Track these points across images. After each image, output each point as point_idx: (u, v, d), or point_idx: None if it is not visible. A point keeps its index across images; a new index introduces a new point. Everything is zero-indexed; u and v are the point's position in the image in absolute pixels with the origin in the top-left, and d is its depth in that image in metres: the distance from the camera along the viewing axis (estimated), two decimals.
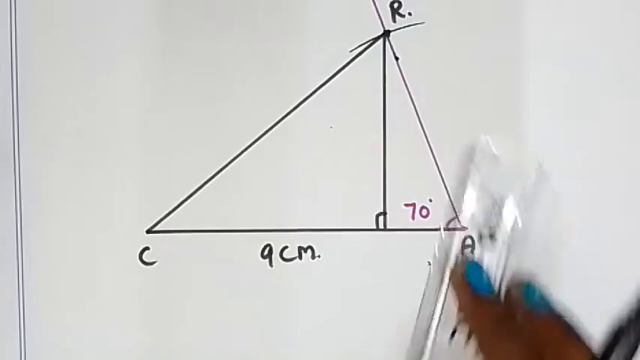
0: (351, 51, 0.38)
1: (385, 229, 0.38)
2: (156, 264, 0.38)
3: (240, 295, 0.38)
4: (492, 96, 0.37)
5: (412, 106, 0.38)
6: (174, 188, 0.38)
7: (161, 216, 0.38)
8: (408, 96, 0.38)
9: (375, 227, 0.38)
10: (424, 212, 0.38)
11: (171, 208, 0.38)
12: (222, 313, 0.38)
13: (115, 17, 0.38)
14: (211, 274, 0.38)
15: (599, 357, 0.33)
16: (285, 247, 0.38)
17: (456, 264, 0.37)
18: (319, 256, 0.38)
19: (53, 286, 0.38)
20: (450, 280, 0.37)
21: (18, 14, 0.38)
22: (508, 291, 0.37)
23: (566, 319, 0.36)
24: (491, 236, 0.34)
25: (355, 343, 0.38)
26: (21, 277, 0.38)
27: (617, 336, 0.34)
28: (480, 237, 0.34)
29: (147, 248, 0.38)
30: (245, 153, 0.38)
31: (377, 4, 0.38)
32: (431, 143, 0.37)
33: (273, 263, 0.38)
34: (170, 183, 0.38)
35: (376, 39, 0.38)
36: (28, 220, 0.38)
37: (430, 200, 0.38)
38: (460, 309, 0.37)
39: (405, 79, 0.38)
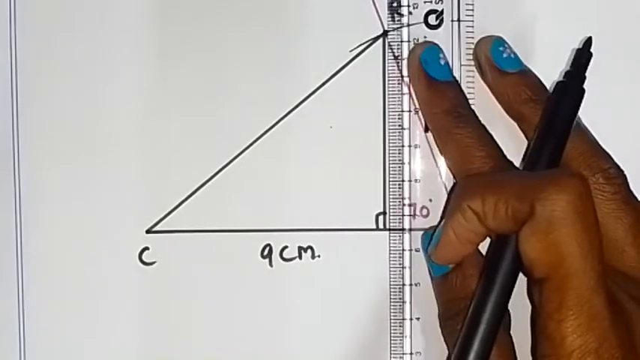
0: (351, 51, 0.38)
1: (385, 229, 0.38)
2: (155, 264, 0.38)
3: (240, 295, 0.38)
4: (491, 95, 0.37)
5: (412, 106, 0.38)
6: (174, 188, 0.38)
7: (161, 216, 0.38)
8: (408, 95, 0.38)
9: (375, 227, 0.38)
10: (424, 212, 0.38)
11: (171, 208, 0.38)
12: (222, 313, 0.38)
13: (114, 17, 0.38)
14: (211, 274, 0.38)
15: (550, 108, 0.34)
16: (285, 247, 0.38)
17: (413, 48, 0.37)
18: (319, 256, 0.38)
19: (52, 286, 0.38)
20: (408, 67, 0.37)
21: (18, 14, 0.38)
22: (476, 51, 0.37)
23: (535, 78, 0.36)
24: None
25: (355, 342, 0.38)
26: (20, 277, 0.38)
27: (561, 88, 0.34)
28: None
29: (146, 248, 0.38)
30: (245, 153, 0.38)
31: (376, 4, 0.38)
32: (431, 143, 0.37)
33: (273, 263, 0.38)
34: (170, 183, 0.38)
35: (376, 39, 0.38)
36: (27, 219, 0.38)
37: (430, 200, 0.38)
38: (417, 96, 0.37)
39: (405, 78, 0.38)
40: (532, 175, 0.33)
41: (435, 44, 0.36)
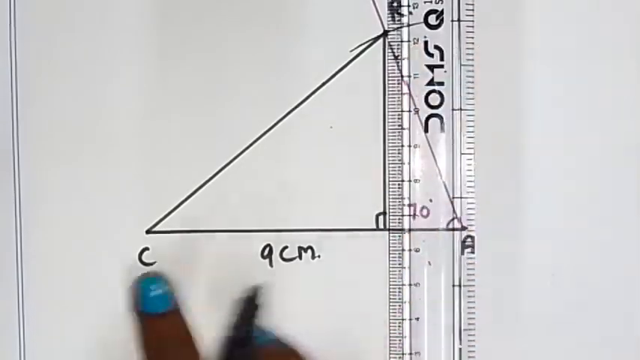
0: (351, 51, 0.38)
1: (385, 229, 0.38)
2: (155, 264, 0.38)
3: (240, 296, 0.38)
4: (492, 95, 0.37)
5: (412, 106, 0.38)
6: (174, 188, 0.38)
7: (161, 216, 0.38)
8: (408, 95, 0.38)
9: (375, 227, 0.38)
10: (424, 212, 0.38)
11: (171, 209, 0.38)
12: (222, 314, 0.38)
13: (114, 17, 0.38)
14: (211, 275, 0.38)
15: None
16: (285, 247, 0.38)
17: (136, 279, 0.36)
18: (319, 256, 0.38)
19: (52, 286, 0.38)
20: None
21: (18, 14, 0.38)
22: None
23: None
24: None
25: (355, 343, 0.38)
26: (20, 278, 0.38)
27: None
28: None
29: (146, 249, 0.38)
30: (245, 153, 0.38)
31: (376, 4, 0.38)
32: (430, 143, 0.37)
33: (273, 263, 0.38)
34: (170, 183, 0.38)
35: (376, 39, 0.38)
36: (27, 219, 0.38)
37: (430, 200, 0.38)
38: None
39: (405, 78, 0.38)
40: None
41: (155, 275, 0.37)
